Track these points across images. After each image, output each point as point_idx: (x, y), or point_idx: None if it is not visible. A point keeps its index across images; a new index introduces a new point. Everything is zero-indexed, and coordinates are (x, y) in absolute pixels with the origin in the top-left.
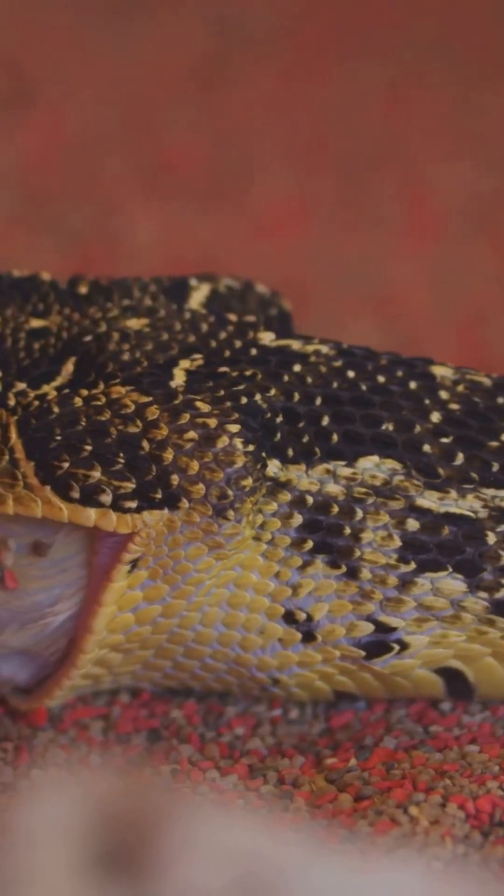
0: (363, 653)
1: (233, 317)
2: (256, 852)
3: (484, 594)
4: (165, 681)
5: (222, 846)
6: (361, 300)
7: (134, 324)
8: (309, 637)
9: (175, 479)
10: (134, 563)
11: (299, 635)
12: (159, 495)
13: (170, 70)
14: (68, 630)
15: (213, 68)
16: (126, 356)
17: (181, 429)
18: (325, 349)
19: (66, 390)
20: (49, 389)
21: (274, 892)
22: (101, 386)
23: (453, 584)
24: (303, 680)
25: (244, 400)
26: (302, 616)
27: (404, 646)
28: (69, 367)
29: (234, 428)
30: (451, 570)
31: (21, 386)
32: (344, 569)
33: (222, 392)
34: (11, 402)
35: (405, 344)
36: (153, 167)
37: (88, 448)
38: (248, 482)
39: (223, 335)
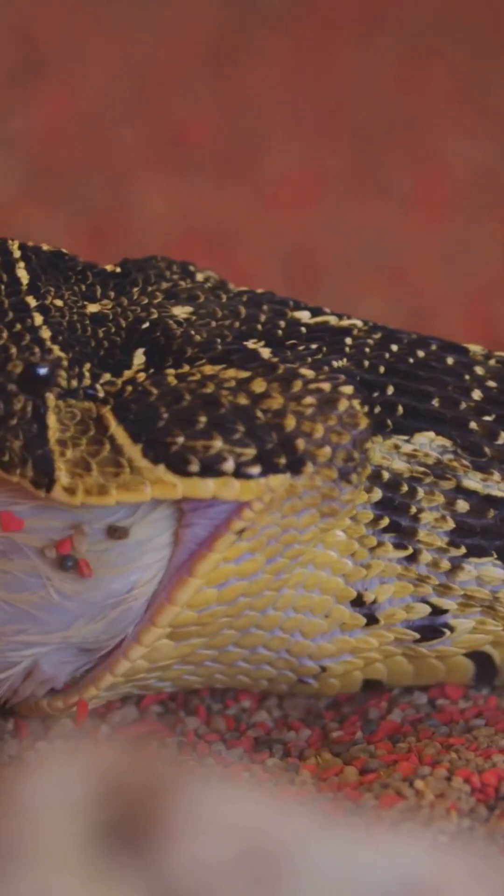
0: (417, 635)
1: (263, 295)
2: (262, 825)
3: None
4: (193, 677)
5: (228, 819)
6: (372, 273)
7: (179, 311)
8: (372, 620)
9: (301, 443)
10: (239, 533)
11: (363, 619)
12: (283, 461)
13: (183, 42)
14: (137, 618)
15: (227, 40)
16: (198, 338)
17: (297, 396)
18: (359, 323)
19: (152, 371)
20: (131, 375)
21: (279, 865)
22: (187, 368)
23: (494, 571)
24: (348, 668)
25: (336, 364)
26: (370, 598)
27: (451, 629)
28: (140, 357)
29: (349, 390)
30: (495, 556)
31: (107, 376)
32: (410, 550)
33: (310, 360)
34: (101, 394)
35: (414, 317)
36: (166, 139)
37: (203, 419)
38: (370, 444)
39: (263, 317)
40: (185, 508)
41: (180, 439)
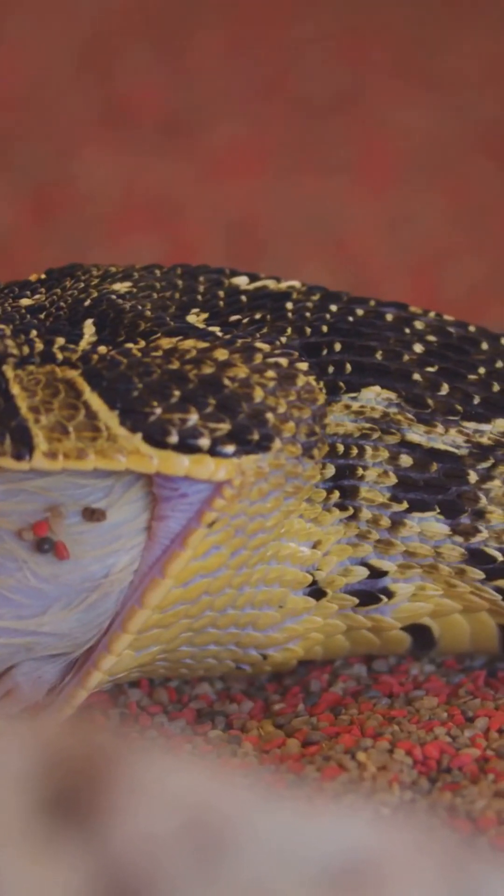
0: (356, 600)
1: (198, 268)
2: (204, 797)
3: (460, 539)
4: (136, 674)
5: (170, 791)
6: (316, 243)
7: (119, 286)
8: (319, 595)
9: (270, 417)
10: (210, 526)
11: (313, 601)
12: (255, 436)
13: (127, 12)
14: (112, 609)
15: (171, 10)
16: (149, 313)
17: (259, 368)
18: (297, 285)
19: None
20: (88, 343)
21: (222, 837)
22: (143, 343)
23: (437, 526)
24: (287, 655)
25: (284, 340)
26: (321, 576)
27: (390, 594)
28: (90, 327)
29: (304, 366)
30: (437, 510)
31: (61, 340)
32: (351, 510)
33: (258, 335)
34: (59, 357)
35: (358, 287)
36: (109, 109)
37: (177, 393)
38: (328, 420)
39: (202, 287)
40: (158, 495)
41: (158, 410)
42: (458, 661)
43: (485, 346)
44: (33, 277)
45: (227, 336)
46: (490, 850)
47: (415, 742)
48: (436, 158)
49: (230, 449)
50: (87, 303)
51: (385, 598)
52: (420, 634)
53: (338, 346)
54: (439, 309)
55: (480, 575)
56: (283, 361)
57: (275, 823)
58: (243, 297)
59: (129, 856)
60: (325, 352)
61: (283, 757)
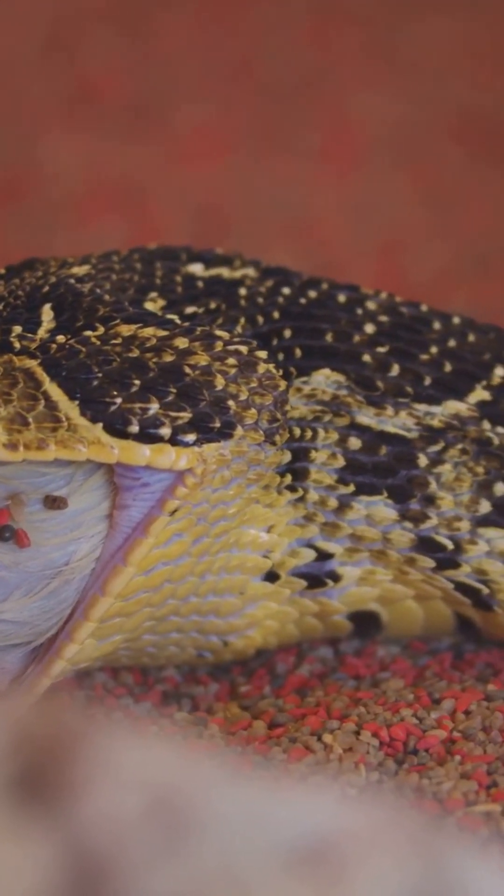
0: (305, 583)
1: (155, 251)
2: (170, 778)
3: (410, 524)
4: (99, 663)
5: (136, 772)
6: (281, 227)
7: (77, 270)
8: (273, 578)
9: (231, 404)
10: (172, 514)
11: (271, 586)
12: (217, 424)
13: None
14: (73, 597)
15: None
16: (108, 297)
17: (220, 356)
18: (251, 272)
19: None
20: (46, 331)
21: (188, 817)
22: (102, 329)
23: (385, 510)
24: (247, 643)
25: (239, 329)
26: (275, 557)
27: (337, 578)
28: (48, 313)
29: (263, 354)
30: (385, 494)
31: (18, 329)
32: (300, 492)
33: (216, 325)
34: (17, 346)
35: (323, 271)
36: (75, 93)
37: (137, 382)
38: (289, 407)
39: (159, 272)
40: (119, 485)
41: (118, 400)
42: (425, 643)
43: (437, 325)
44: None
45: (187, 324)
46: (457, 831)
47: (381, 724)
48: (402, 142)
49: (191, 437)
50: (46, 289)
51: (331, 582)
52: (367, 620)
53: (288, 332)
54: (405, 293)
55: (431, 563)
56: (244, 349)
57: (241, 804)
58: (199, 283)
59: (95, 835)
60: (275, 340)
61: (249, 739)
